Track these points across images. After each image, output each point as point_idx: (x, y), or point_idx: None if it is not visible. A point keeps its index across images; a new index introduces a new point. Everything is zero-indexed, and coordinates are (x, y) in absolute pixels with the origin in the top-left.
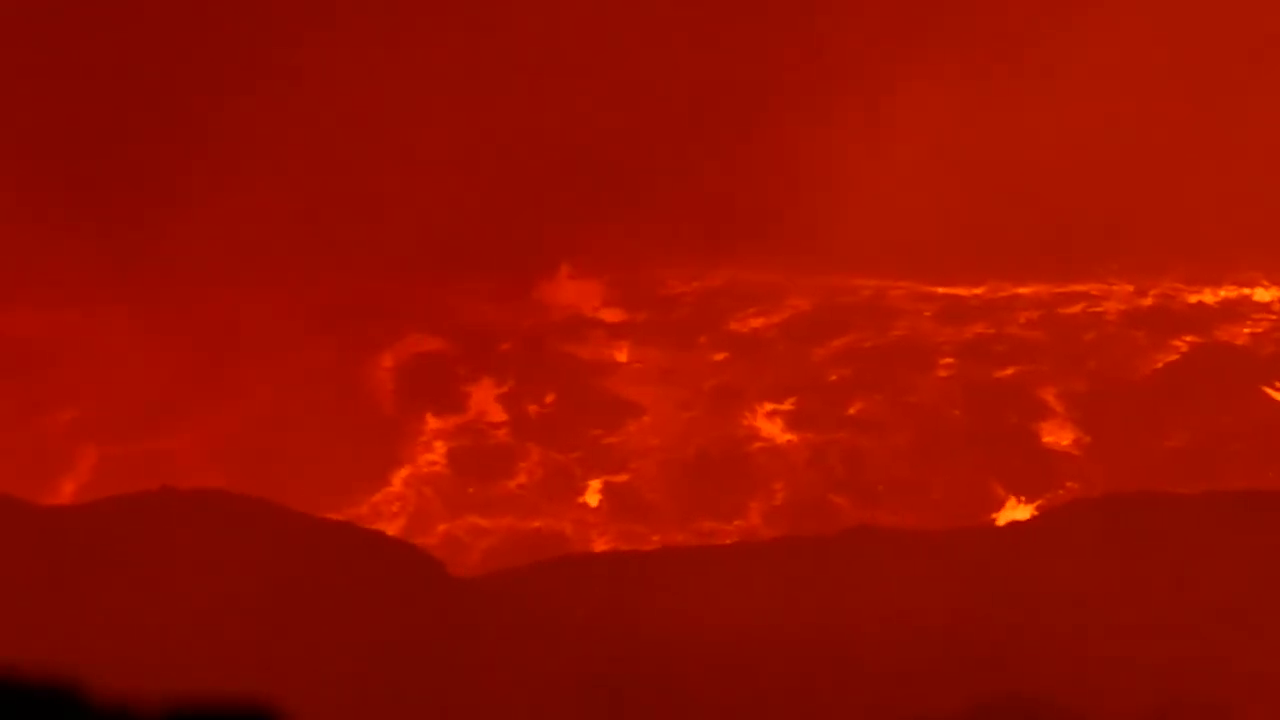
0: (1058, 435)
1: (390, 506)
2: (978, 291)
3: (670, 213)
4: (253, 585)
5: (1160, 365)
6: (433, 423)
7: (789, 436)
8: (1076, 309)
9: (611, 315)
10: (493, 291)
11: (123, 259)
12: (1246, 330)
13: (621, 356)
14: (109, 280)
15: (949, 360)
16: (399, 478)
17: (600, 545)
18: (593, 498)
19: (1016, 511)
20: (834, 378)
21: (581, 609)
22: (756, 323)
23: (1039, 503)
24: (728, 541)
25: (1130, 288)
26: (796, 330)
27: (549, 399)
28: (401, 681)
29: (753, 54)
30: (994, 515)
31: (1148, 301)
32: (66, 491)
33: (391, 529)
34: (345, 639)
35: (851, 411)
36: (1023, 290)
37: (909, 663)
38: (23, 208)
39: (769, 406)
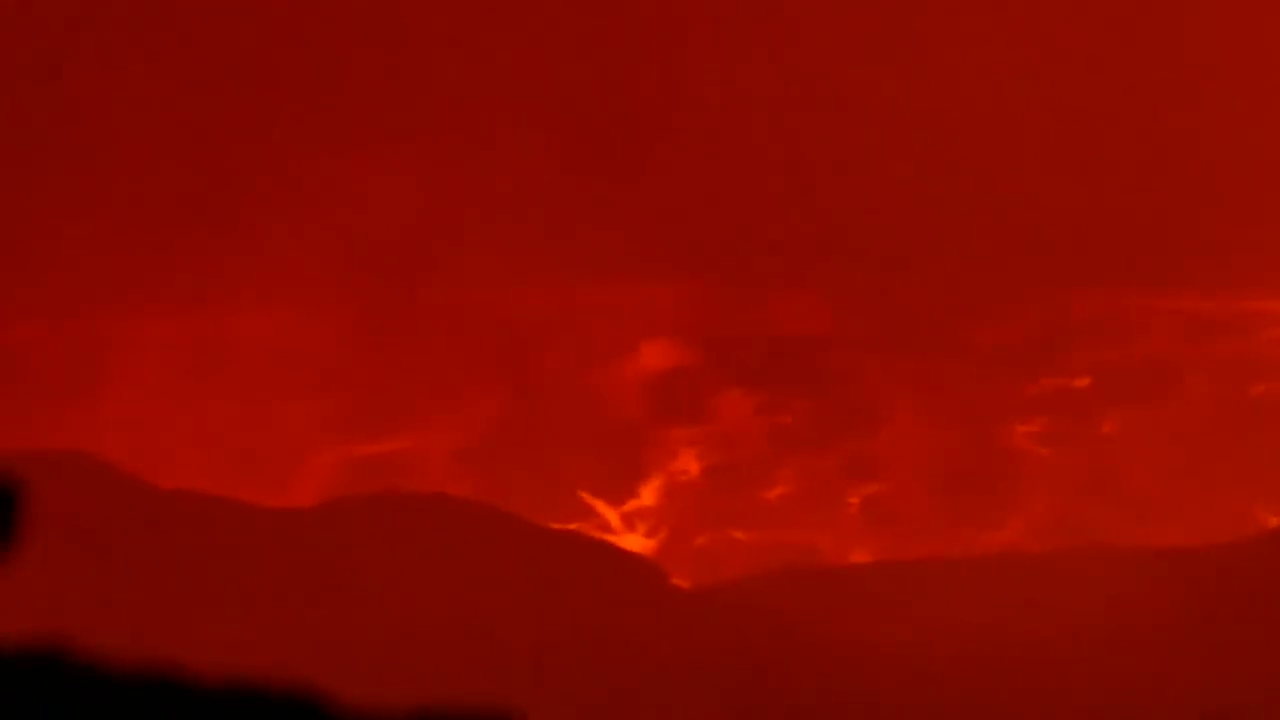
0: None
1: (643, 519)
2: (1210, 305)
3: (890, 222)
4: (478, 595)
5: None
6: (681, 432)
7: (1045, 449)
8: None
9: (849, 324)
10: (729, 298)
11: (342, 257)
12: None
13: (870, 365)
14: (330, 279)
15: (1201, 376)
16: (648, 489)
17: (858, 557)
18: (851, 509)
19: (1276, 530)
20: (1085, 391)
21: (836, 622)
22: (997, 333)
23: None
24: (987, 553)
25: None
26: (1039, 341)
27: (801, 408)
28: (637, 696)
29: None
30: (1253, 533)
31: None
32: (304, 494)
33: (643, 542)
34: (577, 655)
35: (1107, 427)
36: (1254, 305)
37: (1165, 676)
38: (234, 205)
39: (1023, 417)
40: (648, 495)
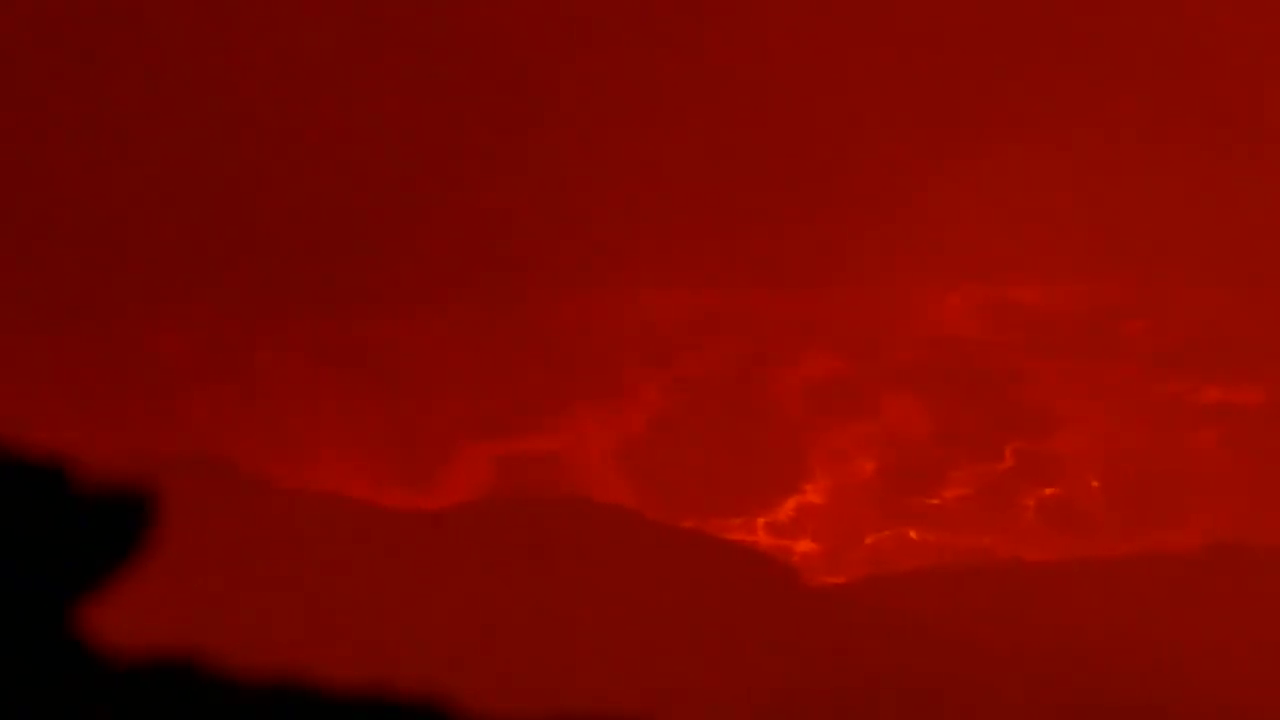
0: None
1: (809, 518)
2: None
3: (1020, 220)
4: (636, 598)
5: None
6: (844, 433)
7: (1217, 451)
8: None
9: (1000, 327)
10: (872, 302)
11: (473, 261)
12: None
13: (1034, 366)
14: (456, 281)
15: None
16: (815, 488)
17: (1031, 558)
18: (1025, 510)
19: None
20: (1254, 393)
21: (1013, 629)
22: (1159, 336)
23: None
24: (1164, 556)
25: None
26: (1201, 343)
27: (968, 410)
28: (810, 697)
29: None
30: None
31: None
32: (453, 493)
33: (810, 541)
34: (740, 657)
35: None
36: None
37: None
38: (388, 212)
39: (1193, 419)
40: (813, 494)
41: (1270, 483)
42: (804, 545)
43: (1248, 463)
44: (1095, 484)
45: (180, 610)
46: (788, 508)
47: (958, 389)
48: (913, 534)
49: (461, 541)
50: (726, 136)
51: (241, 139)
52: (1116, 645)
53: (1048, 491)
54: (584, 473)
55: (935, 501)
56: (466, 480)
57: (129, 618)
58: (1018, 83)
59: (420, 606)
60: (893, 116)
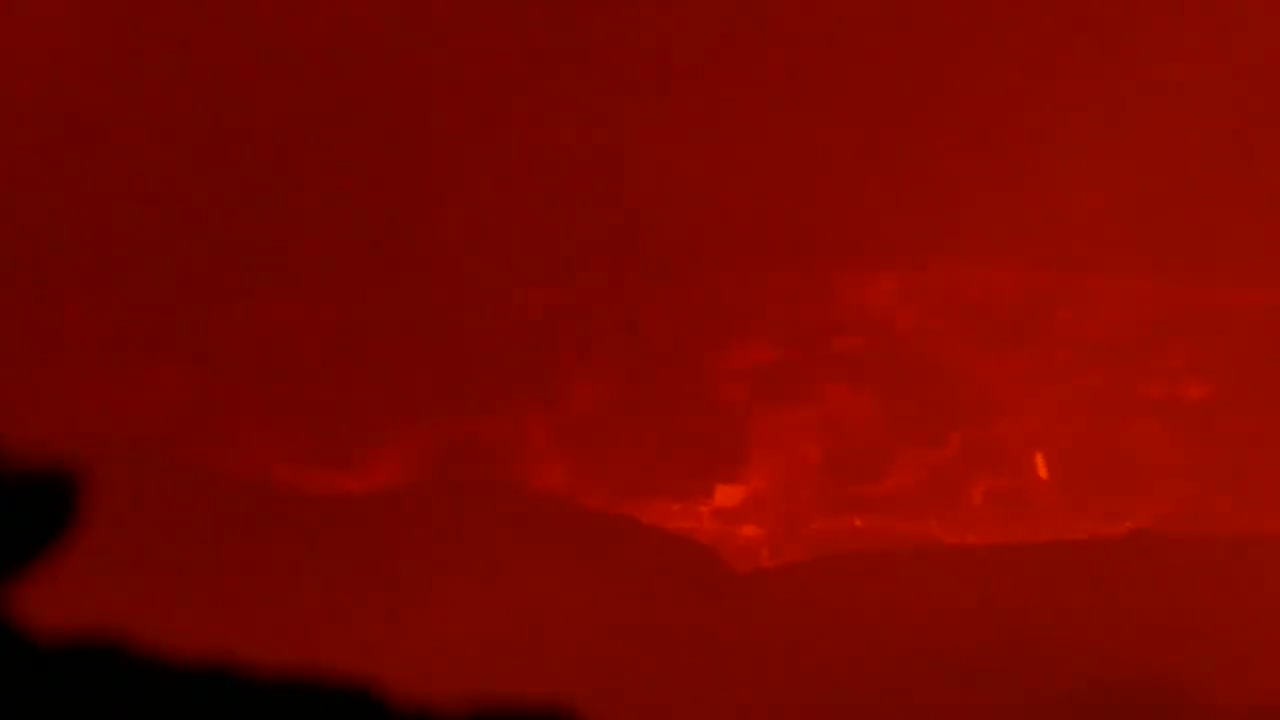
0: None
1: (752, 506)
2: None
3: (951, 205)
4: (575, 586)
5: None
6: (786, 418)
7: (1165, 442)
8: None
9: (938, 313)
10: (808, 288)
11: (404, 244)
12: None
13: (975, 353)
14: (385, 263)
15: None
16: (757, 475)
17: (978, 543)
18: (973, 498)
19: None
20: (1197, 391)
21: (960, 615)
22: (1081, 323)
23: None
24: (1112, 542)
25: None
26: (1134, 331)
27: (911, 396)
28: (745, 688)
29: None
30: None
31: None
32: (383, 476)
33: (753, 528)
34: (681, 648)
35: (1227, 414)
36: None
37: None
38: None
39: (1140, 410)
40: (756, 480)
41: (1215, 469)
42: (747, 531)
43: (1193, 449)
44: (1042, 471)
45: (103, 597)
46: (729, 495)
47: (900, 375)
48: (858, 521)
49: (391, 526)
50: (652, 119)
51: (179, 108)
52: (1064, 631)
53: (995, 478)
54: (519, 459)
55: (882, 488)
56: (397, 464)
57: (50, 604)
58: (955, 67)
59: (346, 591)
60: (828, 101)
